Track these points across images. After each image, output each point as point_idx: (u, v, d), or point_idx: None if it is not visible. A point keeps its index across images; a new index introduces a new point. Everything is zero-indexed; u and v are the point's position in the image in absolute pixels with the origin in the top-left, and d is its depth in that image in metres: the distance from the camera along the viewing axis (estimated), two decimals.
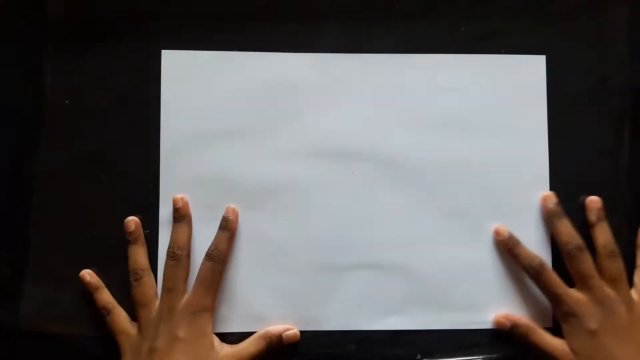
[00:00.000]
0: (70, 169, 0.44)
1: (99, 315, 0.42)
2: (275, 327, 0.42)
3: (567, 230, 0.42)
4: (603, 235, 0.42)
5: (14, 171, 0.44)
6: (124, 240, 0.43)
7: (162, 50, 0.44)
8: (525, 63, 0.45)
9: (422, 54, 0.44)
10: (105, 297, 0.42)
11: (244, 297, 0.43)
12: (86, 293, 0.43)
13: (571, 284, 0.42)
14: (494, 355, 0.43)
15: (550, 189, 0.44)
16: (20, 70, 0.44)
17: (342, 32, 0.45)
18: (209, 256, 0.41)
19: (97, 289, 0.42)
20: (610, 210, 0.43)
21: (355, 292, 0.43)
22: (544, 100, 0.44)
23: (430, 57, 0.45)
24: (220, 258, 0.41)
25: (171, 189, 0.43)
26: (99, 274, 0.43)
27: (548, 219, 0.43)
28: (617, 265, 0.41)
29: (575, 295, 0.41)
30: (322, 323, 0.43)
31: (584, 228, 0.43)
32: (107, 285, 0.43)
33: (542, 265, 0.41)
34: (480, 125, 0.44)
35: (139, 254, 0.42)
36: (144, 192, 0.43)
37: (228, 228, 0.42)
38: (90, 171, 0.44)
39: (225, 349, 0.41)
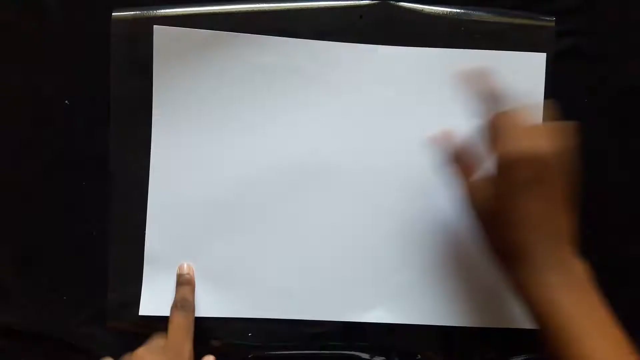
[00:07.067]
0: (70, 168, 0.44)
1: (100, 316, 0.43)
2: None
3: None
4: None
5: (13, 171, 0.44)
6: (122, 239, 0.43)
7: (154, 26, 0.42)
8: (525, 60, 0.44)
9: (418, 47, 0.44)
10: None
11: (241, 287, 0.43)
12: (84, 293, 0.43)
13: None
14: (494, 354, 0.44)
15: None
16: (20, 70, 0.44)
17: (340, 27, 0.43)
18: (180, 308, 0.41)
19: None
20: (609, 210, 0.44)
21: (348, 282, 0.43)
22: (542, 97, 0.44)
23: (427, 50, 0.44)
24: (191, 308, 0.42)
25: (163, 187, 0.43)
26: (98, 272, 0.43)
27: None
28: None
29: None
30: (316, 313, 0.43)
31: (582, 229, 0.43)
32: (103, 286, 0.43)
33: None
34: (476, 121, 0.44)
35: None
36: (144, 193, 0.43)
37: (189, 283, 0.43)
38: (91, 171, 0.44)
39: None
